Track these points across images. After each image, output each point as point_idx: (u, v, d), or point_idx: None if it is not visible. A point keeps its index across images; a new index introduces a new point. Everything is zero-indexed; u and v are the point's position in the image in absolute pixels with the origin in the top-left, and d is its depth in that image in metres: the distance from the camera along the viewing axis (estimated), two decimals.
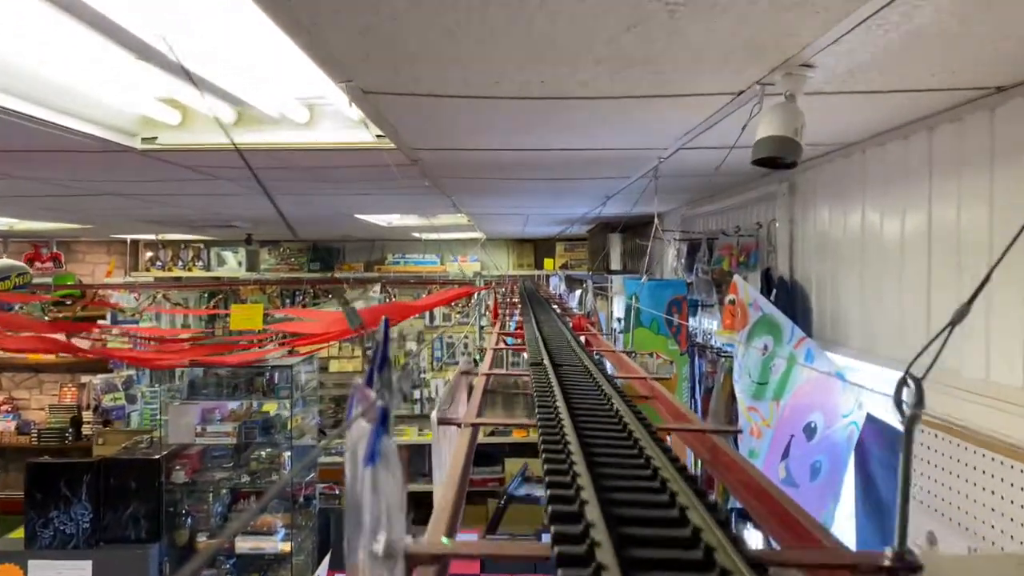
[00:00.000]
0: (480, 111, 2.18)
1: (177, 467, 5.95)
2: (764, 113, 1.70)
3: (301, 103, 2.82)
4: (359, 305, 9.30)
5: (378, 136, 2.81)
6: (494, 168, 3.41)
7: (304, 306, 11.56)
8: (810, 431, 3.04)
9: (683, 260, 4.37)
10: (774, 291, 3.41)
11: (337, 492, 8.66)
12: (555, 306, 5.26)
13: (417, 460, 11.23)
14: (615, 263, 7.16)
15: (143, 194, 4.29)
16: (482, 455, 11.14)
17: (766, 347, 2.89)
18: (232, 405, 6.28)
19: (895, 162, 2.57)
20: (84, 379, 11.57)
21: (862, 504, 3.35)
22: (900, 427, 0.80)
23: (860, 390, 3.04)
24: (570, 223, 7.61)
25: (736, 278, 3.01)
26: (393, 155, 3.00)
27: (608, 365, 2.80)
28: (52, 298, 8.03)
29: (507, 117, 2.30)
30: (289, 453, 6.01)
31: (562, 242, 10.80)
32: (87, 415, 11.14)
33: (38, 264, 11.78)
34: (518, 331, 3.03)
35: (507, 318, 5.38)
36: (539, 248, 11.31)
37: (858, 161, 2.86)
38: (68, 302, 11.12)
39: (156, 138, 2.85)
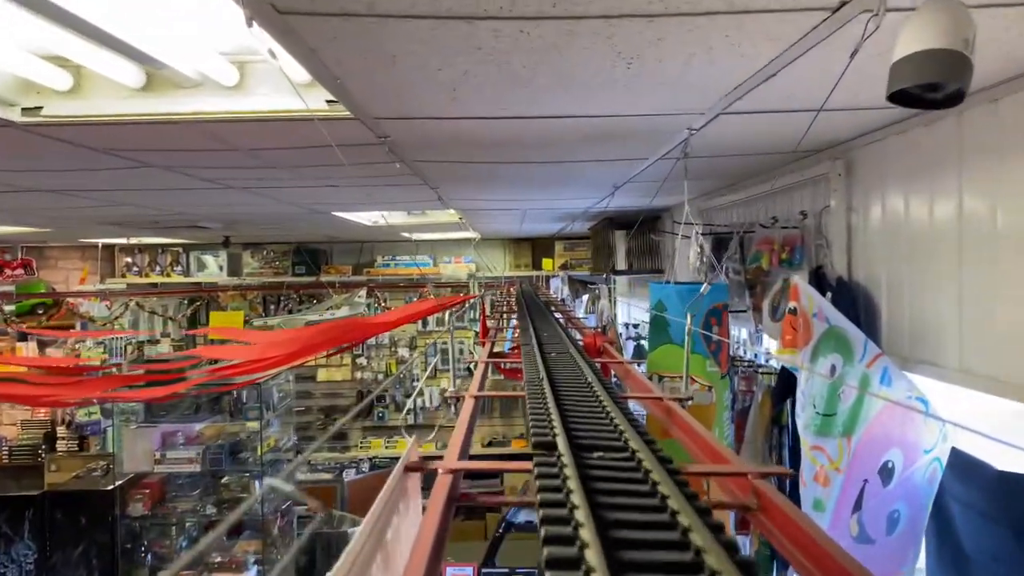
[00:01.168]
0: (450, 48, 1.53)
1: (136, 498, 5.29)
2: (911, 20, 1.04)
3: (228, 60, 2.16)
4: (343, 312, 8.63)
5: (329, 102, 2.16)
6: (480, 147, 2.75)
7: (290, 311, 10.90)
8: (887, 473, 2.39)
9: (707, 259, 3.72)
10: (829, 295, 2.75)
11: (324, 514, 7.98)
12: (557, 313, 4.60)
13: None
14: (620, 263, 6.50)
15: (60, 190, 3.62)
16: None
17: (833, 368, 2.24)
18: (198, 427, 5.62)
19: (1014, 126, 1.92)
20: None
21: (936, 556, 2.70)
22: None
23: (943, 416, 2.40)
24: (571, 219, 6.96)
25: (797, 280, 2.35)
26: (352, 129, 2.35)
27: (618, 390, 2.16)
28: None
29: (489, 63, 1.64)
30: (259, 481, 5.34)
31: (562, 241, 10.13)
32: (61, 431, 10.46)
33: (7, 271, 11.12)
34: (514, 351, 2.38)
35: (503, 320, 4.72)
36: (537, 247, 10.65)
37: (950, 128, 2.21)
38: (40, 311, 10.48)
39: (41, 108, 2.19)
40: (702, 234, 3.72)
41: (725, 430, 2.54)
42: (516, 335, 2.86)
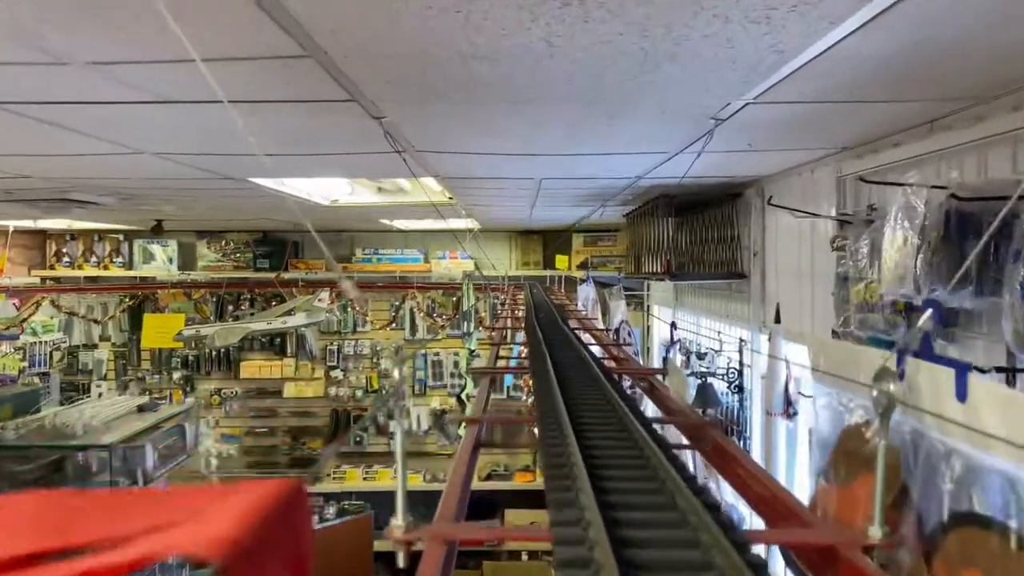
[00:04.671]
0: None
1: None
2: None
3: None
4: (300, 319, 6.72)
5: None
6: None
7: (252, 315, 8.91)
8: None
9: (932, 255, 1.78)
10: None
11: None
12: (604, 361, 2.66)
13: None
14: (675, 262, 4.54)
15: None
16: (476, 505, 8.53)
17: None
18: None
19: None
20: None
21: None
22: None
23: None
24: (602, 200, 4.99)
25: None
26: None
27: None
28: None
29: None
30: None
31: (580, 233, 8.17)
32: None
33: None
34: None
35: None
36: (549, 242, 8.69)
37: None
38: None
39: None
40: (925, 203, 1.78)
41: None
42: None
